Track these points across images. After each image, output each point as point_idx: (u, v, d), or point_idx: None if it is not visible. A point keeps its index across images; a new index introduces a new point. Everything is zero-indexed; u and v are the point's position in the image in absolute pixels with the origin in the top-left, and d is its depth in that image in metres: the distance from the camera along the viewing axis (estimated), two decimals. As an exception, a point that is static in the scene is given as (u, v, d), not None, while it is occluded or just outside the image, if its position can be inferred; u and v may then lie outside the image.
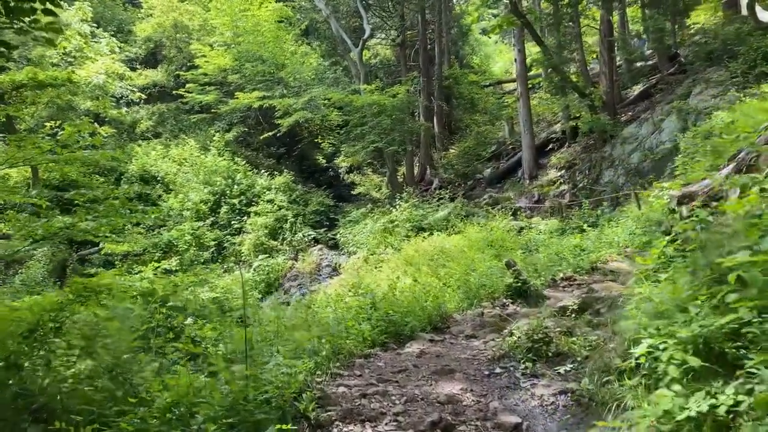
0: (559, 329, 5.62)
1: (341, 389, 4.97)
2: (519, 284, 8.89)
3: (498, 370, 5.47)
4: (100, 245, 17.76)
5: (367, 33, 26.79)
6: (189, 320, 7.73)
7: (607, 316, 5.92)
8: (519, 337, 5.84)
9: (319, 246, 22.49)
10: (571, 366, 5.13)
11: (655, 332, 4.31)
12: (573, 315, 6.17)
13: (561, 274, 10.69)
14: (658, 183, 7.88)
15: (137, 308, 7.52)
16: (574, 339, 5.50)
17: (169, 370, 5.82)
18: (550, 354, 5.37)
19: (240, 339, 7.07)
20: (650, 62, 25.50)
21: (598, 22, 23.18)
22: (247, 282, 20.54)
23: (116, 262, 19.77)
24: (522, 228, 16.80)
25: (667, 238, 6.13)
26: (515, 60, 25.72)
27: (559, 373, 5.08)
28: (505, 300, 8.93)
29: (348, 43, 26.89)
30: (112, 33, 28.50)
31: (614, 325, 5.73)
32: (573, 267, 11.05)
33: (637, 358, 4.26)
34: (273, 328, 8.39)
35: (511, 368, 5.45)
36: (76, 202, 8.38)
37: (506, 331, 6.34)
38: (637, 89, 24.24)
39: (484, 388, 5.07)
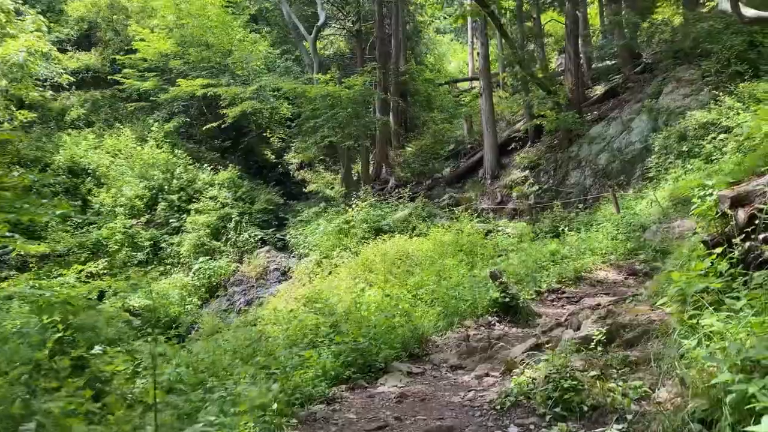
0: (593, 373, 4.24)
1: (301, 468, 3.42)
2: (507, 299, 7.52)
3: (513, 429, 4.04)
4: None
5: (322, 20, 25.16)
6: (97, 348, 5.98)
7: (645, 351, 4.59)
8: (534, 379, 4.43)
9: (267, 247, 20.68)
10: (619, 428, 3.74)
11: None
12: (600, 348, 4.82)
13: (545, 285, 9.41)
14: (700, 180, 6.43)
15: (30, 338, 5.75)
16: (612, 385, 4.13)
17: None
18: (585, 408, 3.98)
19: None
20: (612, 61, 24.83)
21: (564, 17, 22.33)
22: (185, 287, 18.62)
23: (32, 264, 17.47)
24: (489, 231, 15.55)
25: (717, 249, 4.85)
26: (478, 54, 24.64)
27: (606, 439, 3.69)
28: (490, 318, 7.55)
29: (301, 30, 25.20)
30: (41, 11, 25.88)
31: (658, 362, 4.39)
32: (557, 277, 9.79)
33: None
34: (210, 355, 6.75)
35: (532, 427, 4.02)
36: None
37: (516, 370, 4.91)
38: (599, 88, 23.51)
39: (502, 460, 3.62)
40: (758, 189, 4.79)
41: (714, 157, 14.14)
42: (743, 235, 4.71)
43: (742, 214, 4.76)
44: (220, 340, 7.47)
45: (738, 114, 14.11)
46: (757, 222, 4.65)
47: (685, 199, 12.10)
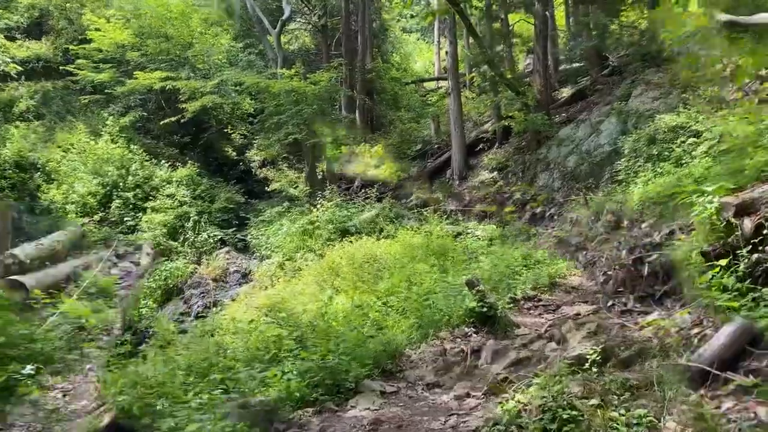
0: (593, 401, 3.80)
1: None
2: (485, 309, 7.08)
3: (506, 467, 3.57)
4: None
5: (287, 14, 24.47)
6: (29, 368, 5.29)
7: (644, 372, 4.18)
8: (526, 406, 3.97)
9: (227, 248, 19.88)
10: (628, 466, 3.31)
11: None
12: (595, 369, 4.40)
13: (520, 292, 9.02)
14: (700, 187, 5.98)
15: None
16: (614, 414, 3.70)
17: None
18: (587, 442, 3.55)
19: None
20: (580, 63, 24.77)
21: (532, 17, 22.15)
22: (140, 289, 17.68)
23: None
24: (459, 233, 15.16)
25: (722, 261, 4.48)
26: (446, 53, 24.27)
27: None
28: (467, 329, 7.10)
29: (265, 24, 24.47)
30: (-13, -3, 24.59)
31: (661, 387, 3.98)
32: (532, 283, 9.41)
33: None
34: (161, 372, 6.09)
35: (527, 465, 3.56)
36: None
37: (506, 395, 4.45)
38: (566, 90, 23.43)
39: None
40: (765, 197, 4.42)
41: (684, 161, 14.03)
42: (750, 246, 4.34)
43: (748, 224, 4.39)
44: (173, 354, 6.81)
45: (707, 118, 14.04)
46: (765, 232, 4.27)
47: (657, 203, 11.93)
